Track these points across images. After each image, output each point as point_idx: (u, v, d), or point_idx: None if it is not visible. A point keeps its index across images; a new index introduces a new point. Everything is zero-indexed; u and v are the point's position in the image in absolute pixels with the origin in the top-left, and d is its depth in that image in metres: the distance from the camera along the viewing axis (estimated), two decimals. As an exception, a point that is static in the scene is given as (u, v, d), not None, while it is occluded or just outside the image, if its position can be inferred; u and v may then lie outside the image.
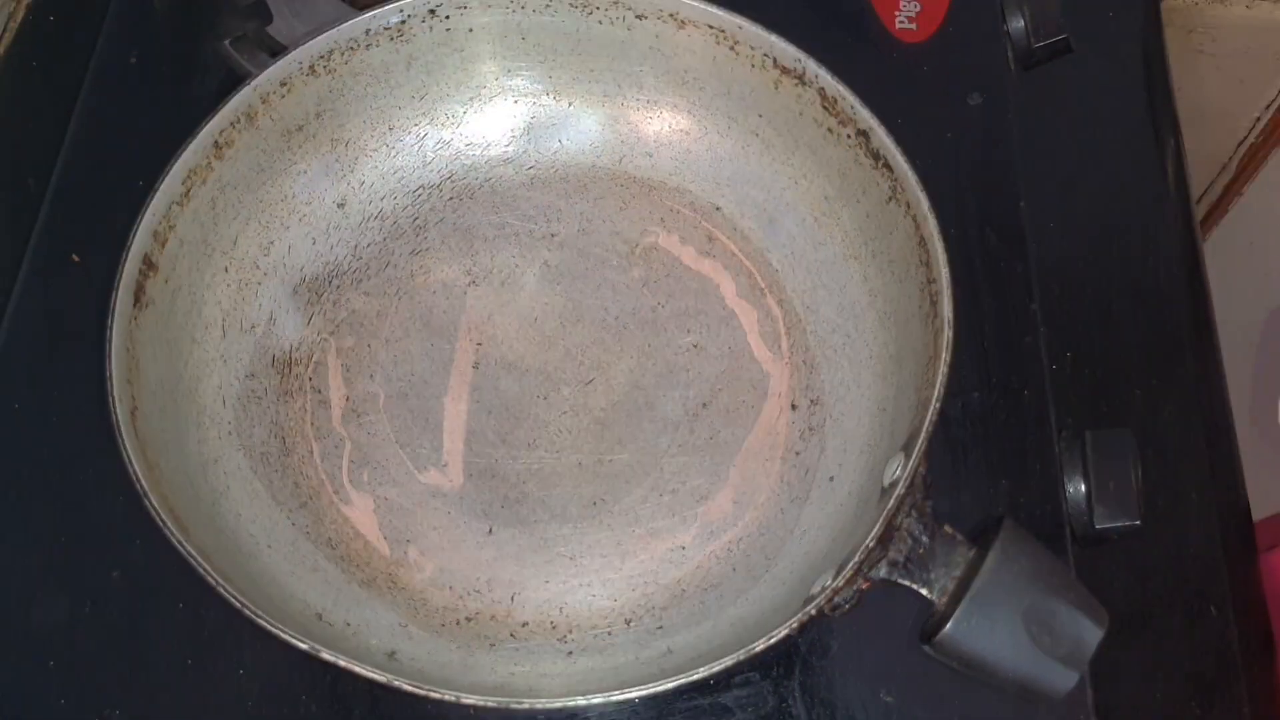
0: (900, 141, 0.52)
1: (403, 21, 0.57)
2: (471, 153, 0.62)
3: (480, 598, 0.53)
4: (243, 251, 0.57)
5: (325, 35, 0.56)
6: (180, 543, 0.44)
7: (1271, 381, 0.89)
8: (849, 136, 0.54)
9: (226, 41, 0.59)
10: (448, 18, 0.57)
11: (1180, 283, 0.63)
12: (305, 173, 0.59)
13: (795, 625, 0.44)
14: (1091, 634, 0.45)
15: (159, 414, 0.50)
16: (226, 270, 0.56)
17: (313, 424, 0.56)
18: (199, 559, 0.44)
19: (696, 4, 0.56)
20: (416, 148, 0.61)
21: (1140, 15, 0.71)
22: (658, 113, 0.61)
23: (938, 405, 0.47)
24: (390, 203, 0.61)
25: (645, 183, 0.61)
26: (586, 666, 0.51)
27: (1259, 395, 0.88)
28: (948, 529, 0.46)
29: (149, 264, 0.51)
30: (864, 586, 0.46)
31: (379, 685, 0.43)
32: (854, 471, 0.53)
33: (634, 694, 0.44)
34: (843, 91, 0.54)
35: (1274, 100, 0.86)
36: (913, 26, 0.69)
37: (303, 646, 0.43)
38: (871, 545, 0.45)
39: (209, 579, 0.44)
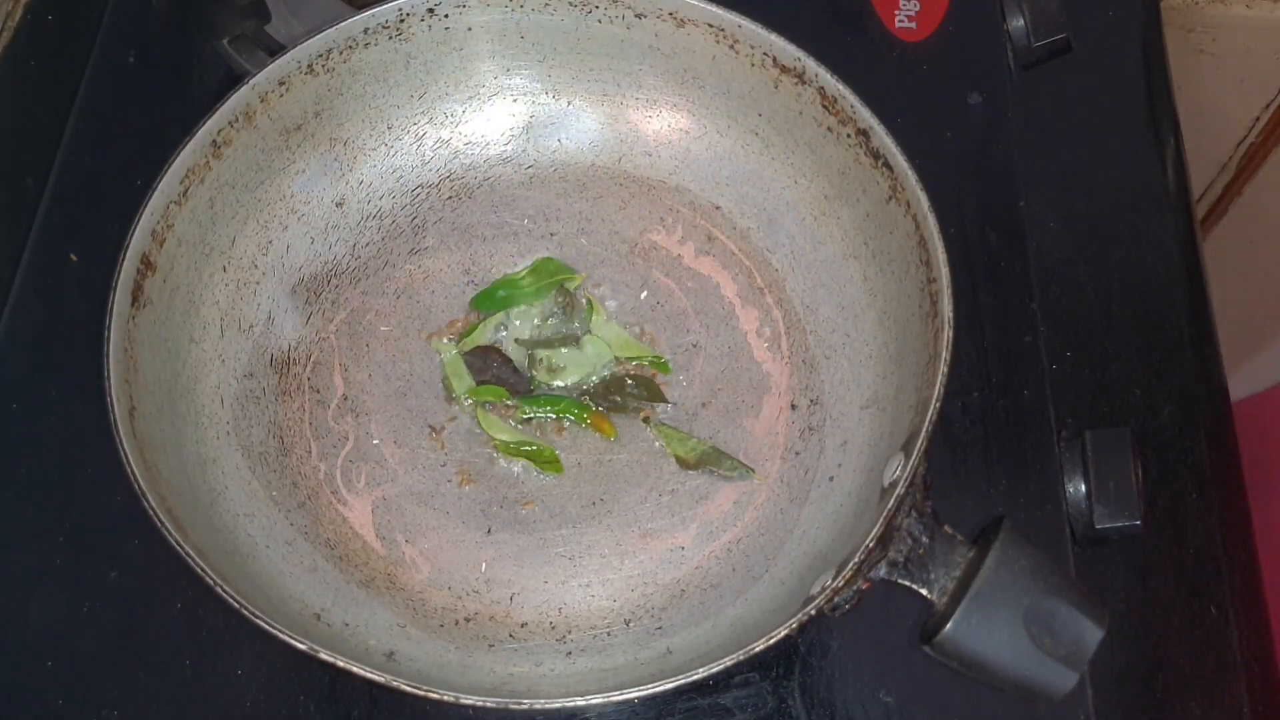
0: (900, 141, 0.52)
1: (401, 20, 0.57)
2: (470, 152, 0.62)
3: (479, 598, 0.53)
4: (241, 251, 0.57)
5: (324, 34, 0.56)
6: (178, 543, 0.44)
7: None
8: (849, 136, 0.54)
9: (225, 41, 0.59)
10: (446, 16, 0.57)
11: (1180, 283, 0.63)
12: (303, 172, 0.59)
13: (795, 626, 0.44)
14: (1091, 634, 0.45)
15: (157, 414, 0.50)
16: (225, 270, 0.56)
17: (311, 423, 0.56)
18: (197, 559, 0.44)
19: (696, 3, 0.56)
20: (415, 147, 0.61)
21: (1140, 15, 0.71)
22: (657, 112, 0.61)
23: (938, 405, 0.47)
24: (389, 202, 0.61)
25: (644, 182, 0.61)
26: (585, 667, 0.51)
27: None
28: (947, 529, 0.46)
29: (147, 263, 0.51)
30: (864, 587, 0.46)
31: (377, 685, 0.43)
32: (854, 471, 0.53)
33: (633, 694, 0.44)
34: (842, 91, 0.54)
35: (1274, 100, 0.86)
36: (913, 26, 0.69)
37: (301, 647, 0.43)
38: (871, 545, 0.45)
39: (207, 579, 0.44)
